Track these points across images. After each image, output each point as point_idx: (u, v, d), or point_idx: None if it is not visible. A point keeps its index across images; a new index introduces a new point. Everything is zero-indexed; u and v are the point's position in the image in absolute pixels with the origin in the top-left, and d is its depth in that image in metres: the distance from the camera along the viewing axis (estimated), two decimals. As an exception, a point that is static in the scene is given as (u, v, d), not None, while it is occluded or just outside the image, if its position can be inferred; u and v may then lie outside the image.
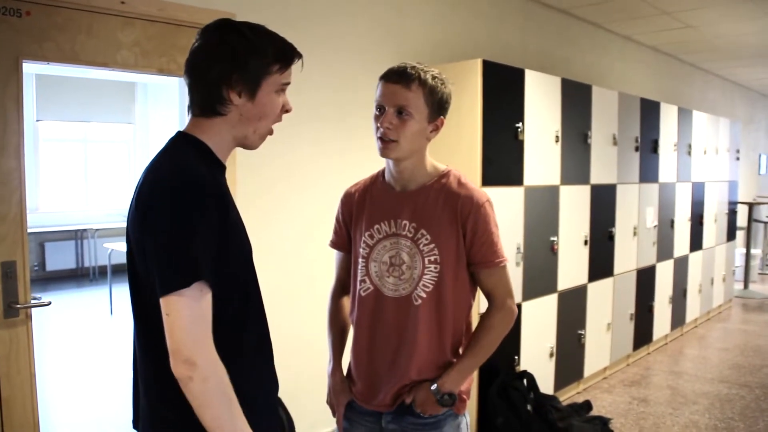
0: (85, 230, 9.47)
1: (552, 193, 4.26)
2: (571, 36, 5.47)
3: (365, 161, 3.54)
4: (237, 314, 1.40)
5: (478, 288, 1.95)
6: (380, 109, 1.83)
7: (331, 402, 2.06)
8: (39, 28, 2.42)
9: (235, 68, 1.37)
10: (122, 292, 7.91)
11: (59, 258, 9.38)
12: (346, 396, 2.01)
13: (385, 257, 1.89)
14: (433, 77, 1.82)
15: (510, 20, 4.73)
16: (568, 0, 4.99)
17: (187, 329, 1.24)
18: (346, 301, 2.11)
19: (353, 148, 3.56)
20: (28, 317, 2.43)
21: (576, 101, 4.45)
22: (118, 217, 9.81)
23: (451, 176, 1.90)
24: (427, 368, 1.87)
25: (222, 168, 1.47)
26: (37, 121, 9.04)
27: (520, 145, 3.90)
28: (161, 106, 9.60)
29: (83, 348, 6.16)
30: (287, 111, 1.50)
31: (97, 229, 9.35)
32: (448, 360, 1.89)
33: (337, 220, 2.08)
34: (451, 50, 4.12)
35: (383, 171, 2.01)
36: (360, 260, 1.94)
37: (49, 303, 2.49)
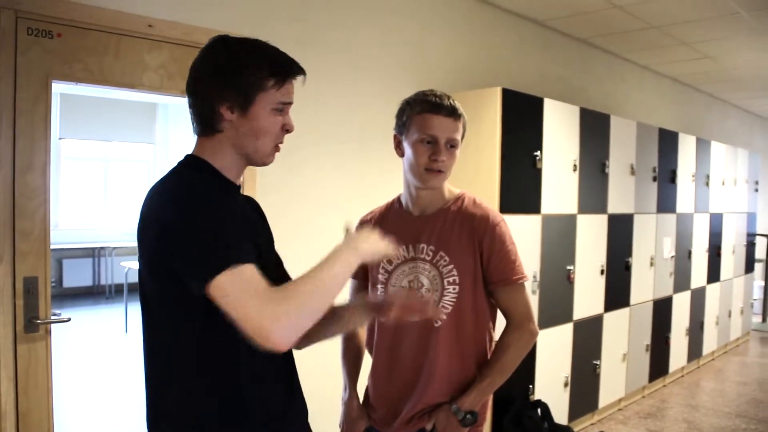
0: (102, 248, 9.56)
1: (569, 221, 4.25)
2: (589, 65, 5.49)
3: (384, 184, 3.57)
4: None
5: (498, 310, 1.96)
6: (432, 141, 1.85)
7: (345, 429, 2.06)
8: (69, 50, 2.48)
9: (223, 83, 1.36)
10: (138, 310, 7.93)
11: (76, 275, 9.46)
12: (364, 422, 2.02)
13: (404, 282, 1.92)
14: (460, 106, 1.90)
15: (530, 49, 4.76)
16: (588, 29, 5.03)
17: (242, 302, 1.19)
18: (360, 329, 2.12)
19: (372, 170, 3.59)
20: (48, 333, 2.45)
21: (594, 130, 4.46)
22: (136, 236, 9.89)
23: (466, 198, 1.94)
24: (449, 389, 1.88)
25: (234, 187, 1.46)
26: (60, 139, 9.18)
27: (537, 173, 3.91)
28: (182, 127, 9.70)
29: (98, 364, 6.19)
30: (288, 131, 1.45)
31: (114, 248, 9.43)
32: (473, 379, 1.90)
33: None
34: (471, 77, 4.16)
35: (398, 198, 2.04)
36: (378, 286, 1.96)
37: (69, 319, 2.52)
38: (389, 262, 1.94)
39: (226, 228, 1.27)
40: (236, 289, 1.19)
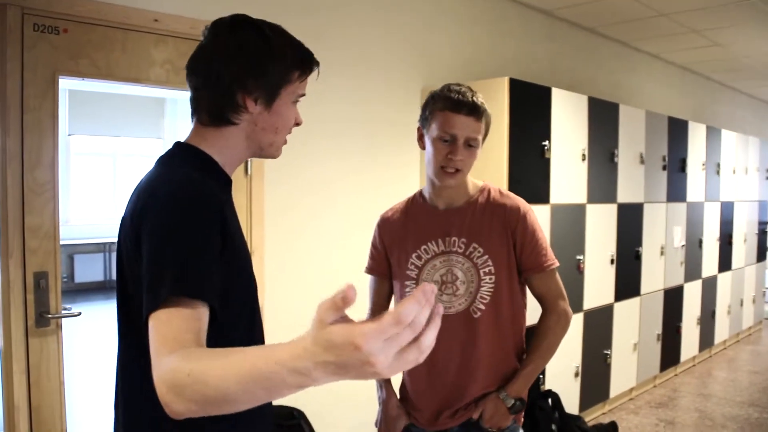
0: (113, 243, 9.58)
1: (578, 211, 4.23)
2: (598, 54, 5.46)
3: (393, 179, 3.58)
4: (243, 341, 1.17)
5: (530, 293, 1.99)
6: (451, 139, 1.82)
7: (383, 429, 2.06)
8: (75, 45, 2.48)
9: (253, 72, 1.23)
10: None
11: (88, 270, 9.52)
12: (404, 421, 2.02)
13: (436, 276, 1.92)
14: (484, 103, 1.85)
15: (537, 39, 4.74)
16: (596, 18, 4.99)
17: (154, 356, 1.00)
18: None
19: (381, 164, 3.58)
20: (59, 327, 2.47)
21: (603, 120, 4.43)
22: (119, 233, 9.97)
23: (491, 189, 1.95)
24: (493, 380, 1.90)
25: (228, 183, 1.33)
26: (69, 135, 9.22)
27: (546, 163, 3.89)
28: (190, 122, 9.73)
29: (109, 359, 6.22)
30: (297, 124, 1.36)
31: (125, 242, 9.48)
32: (514, 368, 1.93)
33: (374, 245, 2.09)
34: (478, 68, 4.14)
35: (420, 192, 2.02)
36: (408, 282, 1.96)
37: (79, 313, 2.54)
38: (419, 257, 1.94)
39: (200, 251, 1.11)
40: (157, 338, 1.02)
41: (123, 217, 1.26)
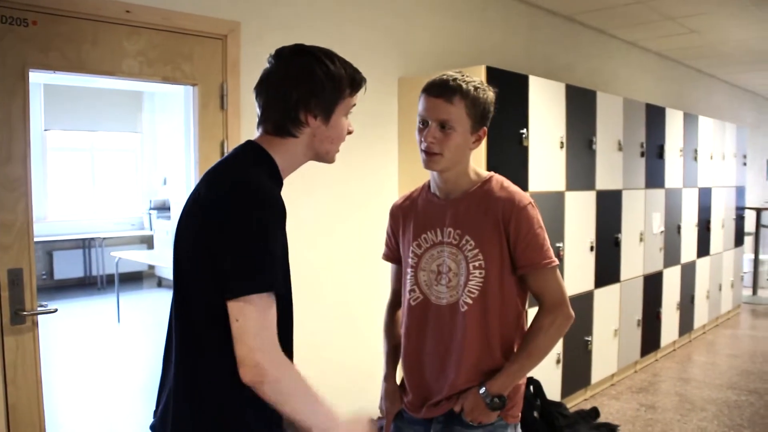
0: (92, 239, 9.50)
1: (557, 199, 4.25)
2: (575, 42, 5.47)
3: (372, 169, 3.56)
4: (280, 332, 1.41)
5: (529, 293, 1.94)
6: (423, 122, 1.83)
7: (381, 408, 2.09)
8: (45, 38, 2.44)
9: (314, 93, 1.45)
10: (129, 300, 8.00)
11: (67, 266, 9.40)
12: (397, 404, 2.03)
13: (432, 266, 1.91)
14: (475, 88, 1.82)
15: (515, 27, 4.74)
16: (573, 6, 5.00)
17: (256, 335, 1.28)
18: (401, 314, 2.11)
19: (358, 155, 3.55)
20: (35, 324, 2.44)
21: (581, 107, 4.45)
22: (126, 226, 9.86)
23: (493, 181, 1.91)
24: (476, 375, 1.87)
25: (281, 186, 1.51)
26: (45, 130, 9.09)
27: (524, 151, 3.90)
28: (168, 115, 9.63)
29: (90, 355, 6.18)
30: (350, 132, 1.58)
31: (104, 238, 9.38)
32: (498, 366, 1.88)
33: (388, 233, 2.11)
34: (456, 57, 4.13)
35: (429, 182, 2.01)
36: (409, 270, 1.96)
37: (56, 310, 2.50)
38: (418, 246, 1.94)
39: (276, 248, 1.34)
40: (256, 319, 1.29)
41: (190, 204, 1.45)
